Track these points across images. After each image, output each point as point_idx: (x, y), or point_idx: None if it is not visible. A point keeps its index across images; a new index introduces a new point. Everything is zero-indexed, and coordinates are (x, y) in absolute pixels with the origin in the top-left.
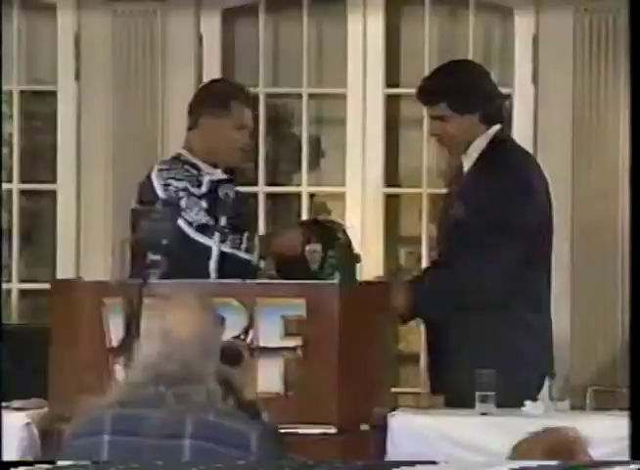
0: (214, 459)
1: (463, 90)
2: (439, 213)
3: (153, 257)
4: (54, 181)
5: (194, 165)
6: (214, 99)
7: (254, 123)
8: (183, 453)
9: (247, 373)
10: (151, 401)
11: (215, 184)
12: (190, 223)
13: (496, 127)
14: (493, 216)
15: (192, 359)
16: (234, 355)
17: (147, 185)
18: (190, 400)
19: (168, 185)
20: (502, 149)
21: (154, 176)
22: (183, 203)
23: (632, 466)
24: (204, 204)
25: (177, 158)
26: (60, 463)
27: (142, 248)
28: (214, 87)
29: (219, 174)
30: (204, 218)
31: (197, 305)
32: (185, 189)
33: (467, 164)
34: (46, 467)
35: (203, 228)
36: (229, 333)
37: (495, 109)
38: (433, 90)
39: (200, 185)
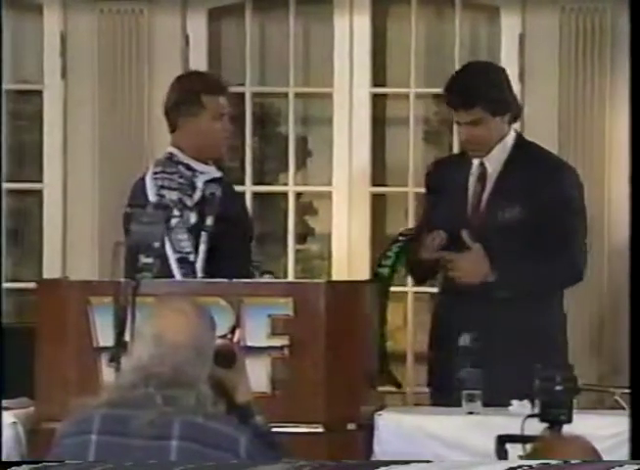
0: (201, 461)
1: (497, 91)
2: (461, 216)
3: (145, 259)
4: (40, 180)
5: (188, 166)
6: (186, 98)
7: (241, 122)
8: (170, 454)
9: (241, 375)
10: (139, 403)
11: (213, 182)
12: (174, 249)
13: (515, 127)
14: (560, 215)
15: (184, 364)
16: (227, 357)
17: (139, 187)
18: (179, 403)
19: (162, 196)
20: (535, 149)
21: (148, 181)
22: (173, 222)
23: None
24: (193, 217)
25: (170, 158)
26: (69, 462)
27: (134, 250)
28: (183, 86)
29: (214, 172)
30: (186, 248)
31: (191, 309)
32: (179, 201)
33: (492, 165)
34: (53, 464)
35: (183, 262)
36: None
37: (520, 109)
38: (468, 93)
39: (193, 190)
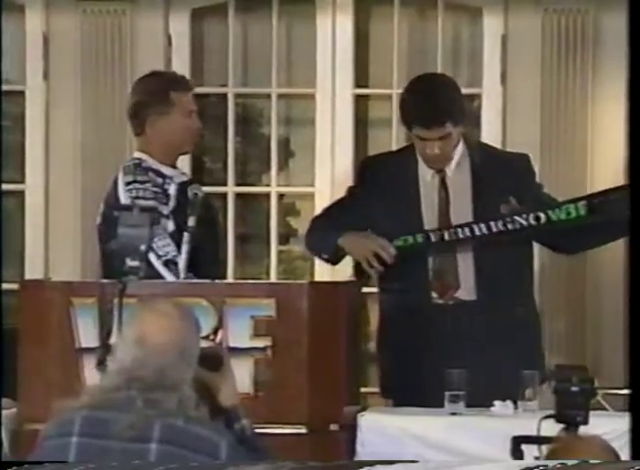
0: (181, 464)
1: (458, 104)
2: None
3: (131, 262)
4: (22, 181)
5: (158, 173)
6: (154, 97)
7: (223, 123)
8: (149, 457)
9: (226, 378)
10: (121, 405)
11: (183, 186)
12: (158, 255)
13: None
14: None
15: (167, 367)
16: (214, 361)
17: (113, 196)
18: (160, 406)
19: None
20: (485, 147)
21: (121, 192)
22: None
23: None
24: (171, 225)
25: (139, 164)
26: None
27: (120, 253)
28: (149, 86)
29: (181, 176)
30: (171, 252)
31: (174, 311)
32: (155, 210)
33: (452, 170)
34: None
35: (170, 264)
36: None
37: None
38: (441, 111)
39: (167, 198)
